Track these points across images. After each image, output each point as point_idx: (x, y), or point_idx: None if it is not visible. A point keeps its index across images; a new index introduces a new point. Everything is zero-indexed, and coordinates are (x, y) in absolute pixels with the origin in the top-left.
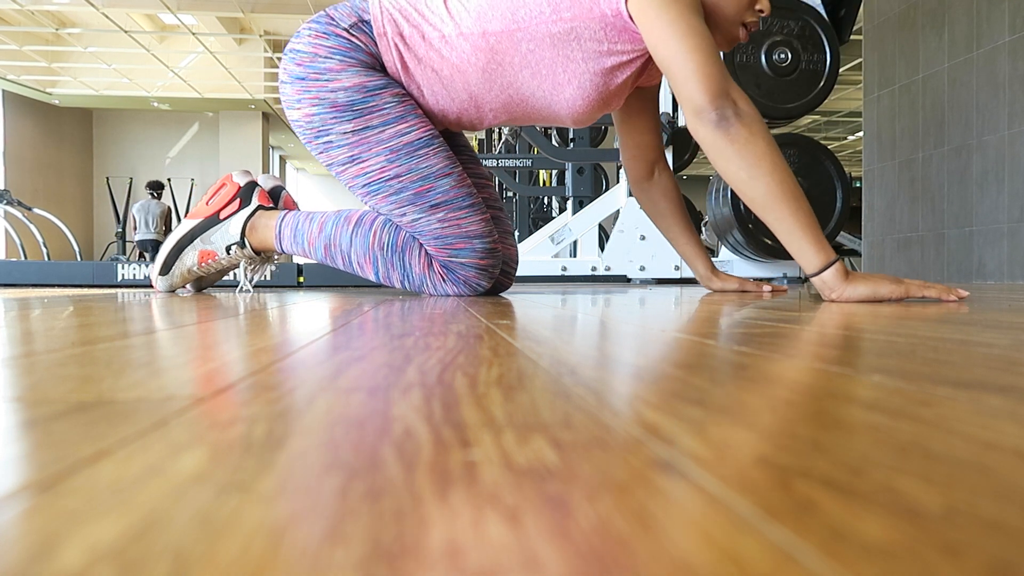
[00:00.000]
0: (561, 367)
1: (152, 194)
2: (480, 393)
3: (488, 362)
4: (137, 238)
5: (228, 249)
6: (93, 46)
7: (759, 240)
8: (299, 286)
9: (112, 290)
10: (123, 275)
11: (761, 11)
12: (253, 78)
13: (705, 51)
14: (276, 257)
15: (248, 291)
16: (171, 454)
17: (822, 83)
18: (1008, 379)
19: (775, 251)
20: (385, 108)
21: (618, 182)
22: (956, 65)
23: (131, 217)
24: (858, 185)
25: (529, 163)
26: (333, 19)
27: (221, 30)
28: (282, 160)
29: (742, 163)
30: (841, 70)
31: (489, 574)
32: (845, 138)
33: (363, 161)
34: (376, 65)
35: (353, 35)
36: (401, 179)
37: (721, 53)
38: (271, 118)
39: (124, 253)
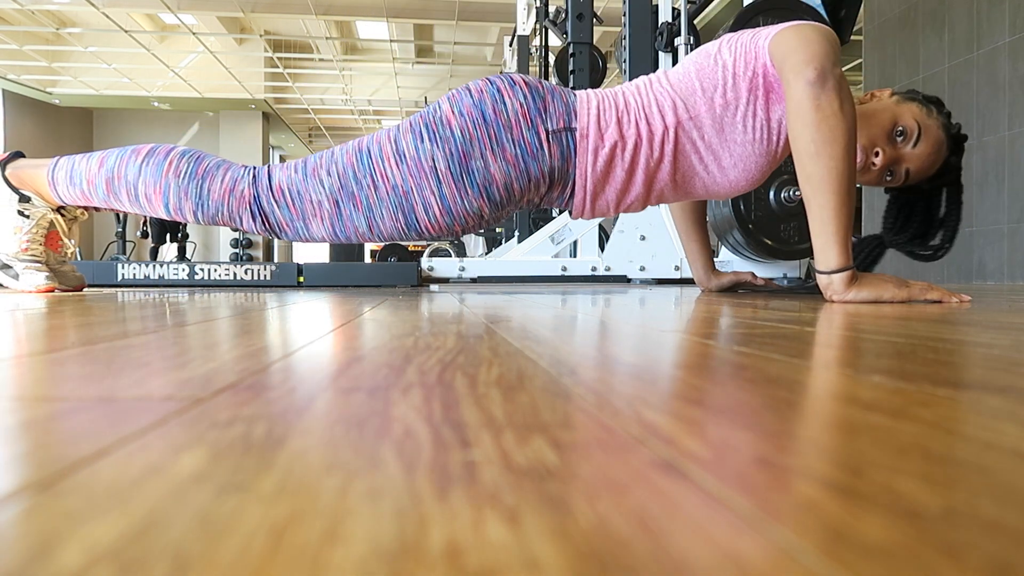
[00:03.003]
0: (561, 367)
1: None
2: (480, 393)
3: (488, 362)
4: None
5: (22, 213)
6: (93, 46)
7: (759, 240)
8: (299, 286)
9: (112, 290)
10: (123, 275)
11: (902, 132)
12: (253, 78)
13: (820, 34)
14: (83, 215)
15: (73, 250)
16: (171, 454)
17: None
18: (1008, 379)
19: (775, 251)
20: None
21: None
22: (956, 66)
23: None
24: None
25: None
26: (542, 113)
27: (221, 30)
28: (282, 160)
29: (816, 134)
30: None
31: (489, 574)
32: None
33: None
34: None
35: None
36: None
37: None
38: (271, 118)
39: (124, 253)
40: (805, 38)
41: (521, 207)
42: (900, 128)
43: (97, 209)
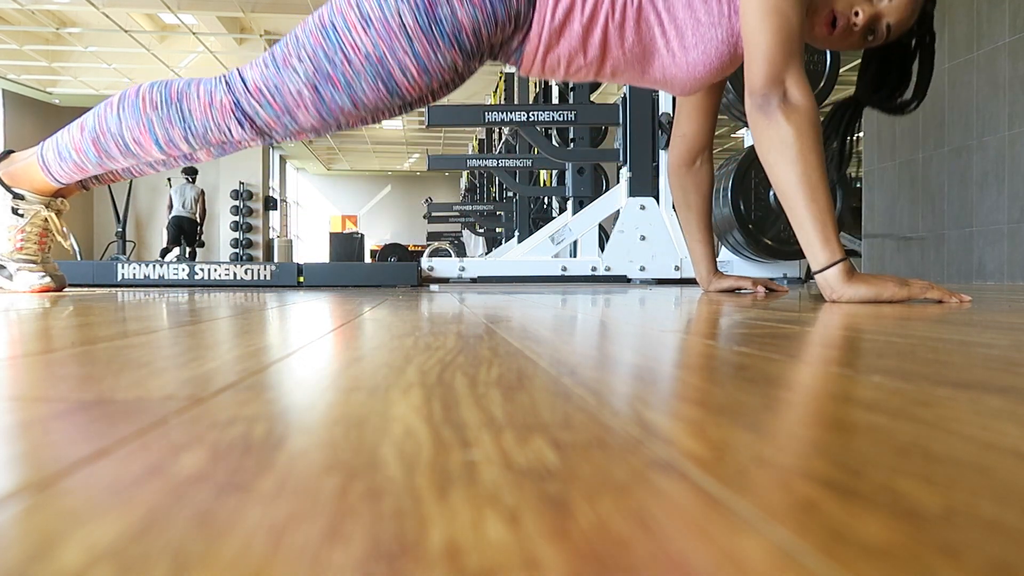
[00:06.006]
0: (561, 367)
1: (188, 179)
2: (480, 393)
3: (488, 362)
4: (172, 215)
5: (16, 211)
6: (93, 46)
7: (759, 240)
8: (299, 286)
9: (112, 289)
10: (123, 275)
11: (856, 14)
12: None
13: (779, 33)
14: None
15: (74, 247)
16: (171, 454)
17: (822, 83)
18: (1008, 379)
19: (775, 251)
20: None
21: (618, 182)
22: (956, 66)
23: (168, 197)
24: (858, 186)
25: (529, 163)
26: None
27: (221, 30)
28: (282, 160)
29: (771, 146)
30: (841, 70)
31: (489, 574)
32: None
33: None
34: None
35: None
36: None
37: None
38: None
39: (124, 253)
40: (759, 45)
41: (485, 61)
42: None
43: (97, 182)
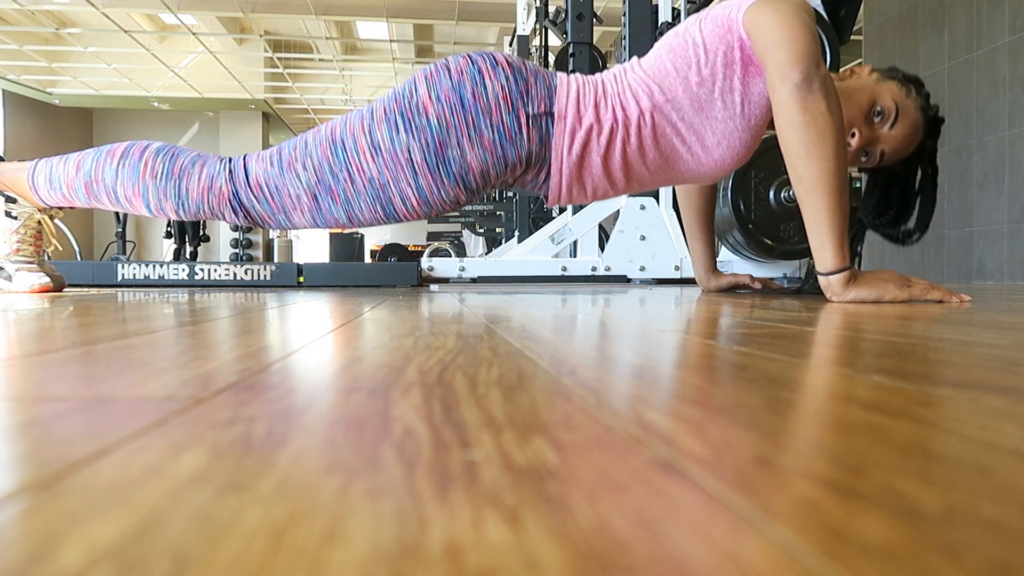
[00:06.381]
0: (561, 367)
1: None
2: (480, 393)
3: (488, 362)
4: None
5: (9, 214)
6: (93, 46)
7: (759, 240)
8: (299, 286)
9: (112, 290)
10: (123, 275)
11: (880, 112)
12: (253, 78)
13: (803, 27)
14: (60, 212)
15: (74, 247)
16: (171, 454)
17: None
18: (1008, 379)
19: (775, 251)
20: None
21: None
22: (956, 65)
23: None
24: (858, 185)
25: None
26: (524, 95)
27: (221, 30)
28: None
29: (806, 135)
30: (841, 70)
31: (489, 574)
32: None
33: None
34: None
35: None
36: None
37: None
38: (271, 118)
39: (124, 253)
40: (787, 32)
41: (495, 189)
42: (878, 108)
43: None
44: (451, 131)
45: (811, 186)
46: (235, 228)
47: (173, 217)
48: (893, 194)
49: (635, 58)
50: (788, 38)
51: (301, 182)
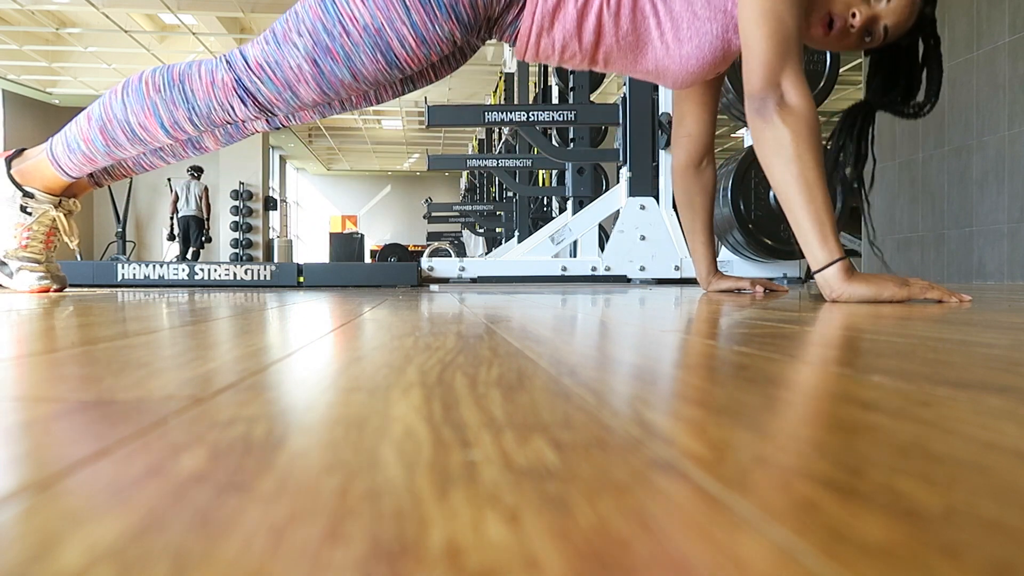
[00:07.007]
0: (561, 367)
1: (192, 174)
2: (480, 393)
3: (488, 362)
4: (180, 215)
5: (24, 210)
6: (93, 46)
7: (759, 240)
8: (299, 286)
9: (112, 290)
10: (123, 275)
11: (853, 15)
12: None
13: (774, 36)
14: (77, 203)
15: (74, 246)
16: (171, 454)
17: (822, 83)
18: (1008, 379)
19: (775, 251)
20: None
21: (618, 182)
22: (956, 65)
23: (173, 192)
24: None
25: (529, 163)
26: None
27: (221, 30)
28: (282, 160)
29: (768, 149)
30: (841, 70)
31: (489, 574)
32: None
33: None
34: None
35: None
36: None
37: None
38: None
39: (124, 253)
40: (755, 48)
41: (484, 38)
42: None
43: (108, 177)
44: None
45: (785, 189)
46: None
47: (190, 130)
48: (899, 70)
49: None
50: (752, 60)
51: (299, 50)
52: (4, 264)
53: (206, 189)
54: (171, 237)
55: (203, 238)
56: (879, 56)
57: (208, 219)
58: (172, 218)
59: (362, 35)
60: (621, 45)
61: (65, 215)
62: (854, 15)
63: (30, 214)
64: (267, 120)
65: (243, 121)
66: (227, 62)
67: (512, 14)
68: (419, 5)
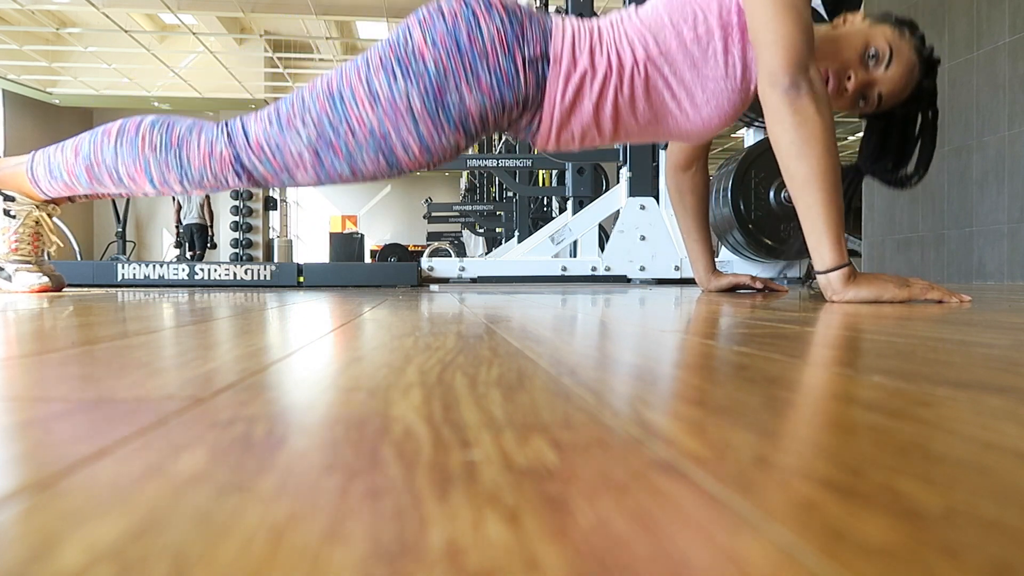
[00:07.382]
0: (561, 367)
1: None
2: (480, 393)
3: (488, 362)
4: (184, 223)
5: (8, 213)
6: (93, 46)
7: (759, 240)
8: (299, 286)
9: (112, 290)
10: (123, 275)
11: (874, 55)
12: (253, 78)
13: (797, 23)
14: (57, 208)
15: (74, 247)
16: (171, 454)
17: None
18: (1008, 379)
19: (775, 251)
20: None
21: (618, 182)
22: (956, 65)
23: (176, 202)
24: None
25: (529, 163)
26: (519, 37)
27: (221, 30)
28: None
29: (796, 137)
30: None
31: (489, 574)
32: (845, 138)
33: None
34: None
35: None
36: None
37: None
38: None
39: (124, 253)
40: (778, 34)
41: (490, 134)
42: (872, 51)
43: (85, 198)
44: (449, 76)
45: (804, 184)
46: (235, 196)
47: (178, 190)
48: (891, 139)
49: (633, 6)
50: (778, 42)
51: (302, 138)
52: (1, 269)
53: (207, 196)
54: (178, 245)
55: (208, 245)
56: (874, 122)
57: (212, 226)
58: (178, 228)
59: (367, 137)
60: (640, 123)
61: (47, 215)
62: (849, 77)
63: (14, 217)
64: (257, 188)
65: (233, 187)
66: (228, 136)
67: (527, 119)
68: (428, 118)
